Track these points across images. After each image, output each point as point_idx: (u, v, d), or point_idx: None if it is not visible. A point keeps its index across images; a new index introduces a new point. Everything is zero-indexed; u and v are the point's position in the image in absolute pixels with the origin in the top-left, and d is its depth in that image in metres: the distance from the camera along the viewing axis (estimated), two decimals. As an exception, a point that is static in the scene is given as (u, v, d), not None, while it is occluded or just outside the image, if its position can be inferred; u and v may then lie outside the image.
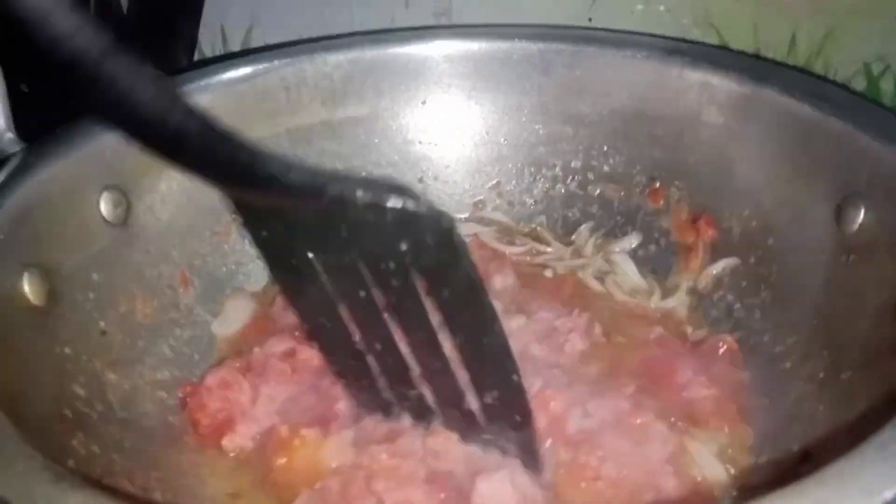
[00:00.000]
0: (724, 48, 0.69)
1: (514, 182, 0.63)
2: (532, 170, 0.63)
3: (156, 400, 0.49)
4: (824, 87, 0.53)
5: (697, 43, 0.61)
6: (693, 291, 0.57)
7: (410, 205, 0.34)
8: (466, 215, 0.64)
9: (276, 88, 0.58)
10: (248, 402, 0.49)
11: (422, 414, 0.45)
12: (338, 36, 0.62)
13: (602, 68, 0.59)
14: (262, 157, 0.34)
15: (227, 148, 0.34)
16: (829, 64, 0.70)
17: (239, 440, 0.48)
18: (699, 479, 0.45)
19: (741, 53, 0.64)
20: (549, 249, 0.62)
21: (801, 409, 0.46)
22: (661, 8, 0.70)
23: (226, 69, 0.57)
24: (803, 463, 0.43)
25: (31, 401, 0.41)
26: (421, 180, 0.63)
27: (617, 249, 0.60)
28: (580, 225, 0.62)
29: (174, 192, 0.55)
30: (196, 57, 0.74)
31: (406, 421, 0.46)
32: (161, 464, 0.46)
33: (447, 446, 0.45)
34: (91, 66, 0.30)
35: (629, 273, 0.59)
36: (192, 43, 0.74)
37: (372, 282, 0.39)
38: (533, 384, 0.47)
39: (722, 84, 0.55)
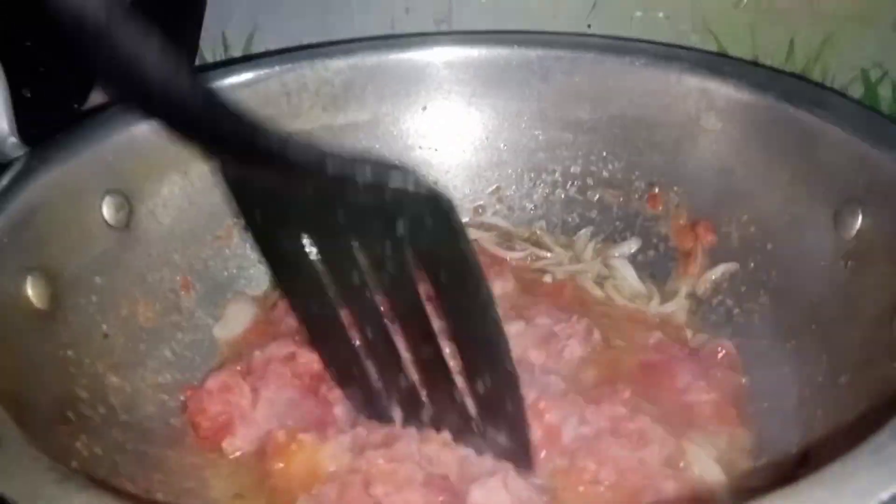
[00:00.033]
0: (722, 55, 0.69)
1: (513, 187, 0.63)
2: (532, 175, 0.63)
3: (157, 403, 0.50)
4: (822, 94, 0.54)
5: (696, 49, 0.62)
6: (692, 296, 0.58)
7: (411, 184, 0.34)
8: (466, 220, 0.64)
9: (278, 94, 0.58)
10: (249, 405, 0.49)
11: (415, 411, 0.45)
12: (339, 42, 0.62)
13: (601, 75, 0.59)
14: (263, 131, 0.34)
15: (229, 119, 0.34)
16: (827, 70, 0.71)
17: (239, 443, 0.48)
18: (698, 482, 0.45)
19: (739, 60, 0.64)
20: (548, 255, 0.62)
21: (800, 413, 0.47)
22: (660, 15, 0.70)
23: (227, 75, 0.57)
24: (802, 466, 0.43)
25: (35, 403, 0.41)
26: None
27: (616, 254, 0.61)
28: (579, 230, 0.62)
29: (176, 197, 0.55)
30: (197, 62, 0.75)
31: (400, 421, 0.46)
32: (163, 466, 0.46)
33: (442, 451, 0.45)
34: (98, 29, 0.30)
35: (628, 278, 0.59)
36: (194, 49, 0.74)
37: (368, 267, 0.39)
38: (528, 394, 0.47)
39: (720, 90, 0.56)
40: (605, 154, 0.61)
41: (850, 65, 0.70)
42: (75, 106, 0.66)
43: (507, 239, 0.63)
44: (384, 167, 0.35)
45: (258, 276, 0.59)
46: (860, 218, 0.48)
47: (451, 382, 0.43)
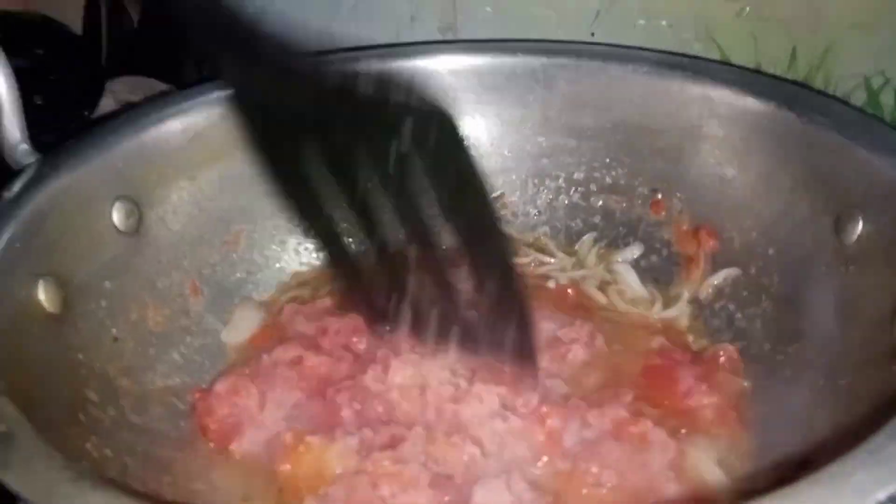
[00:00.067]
0: (725, 63, 0.70)
1: (517, 193, 0.64)
2: (535, 181, 0.63)
3: (167, 405, 0.50)
4: (823, 101, 0.54)
5: (698, 57, 0.62)
6: (694, 301, 0.58)
7: (413, 98, 0.35)
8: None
9: (284, 101, 0.59)
10: (256, 408, 0.49)
11: (422, 319, 0.46)
12: (344, 50, 0.63)
13: (604, 82, 0.60)
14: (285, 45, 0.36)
15: (255, 32, 0.35)
16: (830, 78, 0.71)
17: (247, 445, 0.48)
18: (700, 484, 0.46)
19: (742, 68, 0.65)
20: (551, 260, 0.62)
21: (801, 417, 0.47)
22: (663, 23, 0.71)
23: (235, 83, 0.58)
24: (803, 469, 0.43)
25: (47, 405, 0.42)
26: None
27: (619, 260, 0.61)
28: (583, 236, 0.63)
29: (185, 203, 0.56)
30: (206, 71, 0.75)
31: (407, 329, 0.47)
32: (172, 467, 0.47)
33: (448, 452, 0.45)
34: None
35: (631, 283, 0.60)
36: (202, 57, 0.75)
37: (373, 176, 0.40)
38: (531, 398, 0.48)
39: (722, 98, 0.56)
40: (608, 160, 0.61)
41: (852, 72, 0.70)
42: (85, 113, 0.67)
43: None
44: (389, 81, 0.35)
45: (265, 280, 0.60)
46: (861, 224, 0.48)
47: (456, 287, 0.43)
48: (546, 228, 0.64)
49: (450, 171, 0.38)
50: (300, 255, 0.61)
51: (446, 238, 0.41)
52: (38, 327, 0.45)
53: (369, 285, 0.47)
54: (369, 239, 0.44)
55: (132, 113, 0.56)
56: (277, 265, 0.61)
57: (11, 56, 0.50)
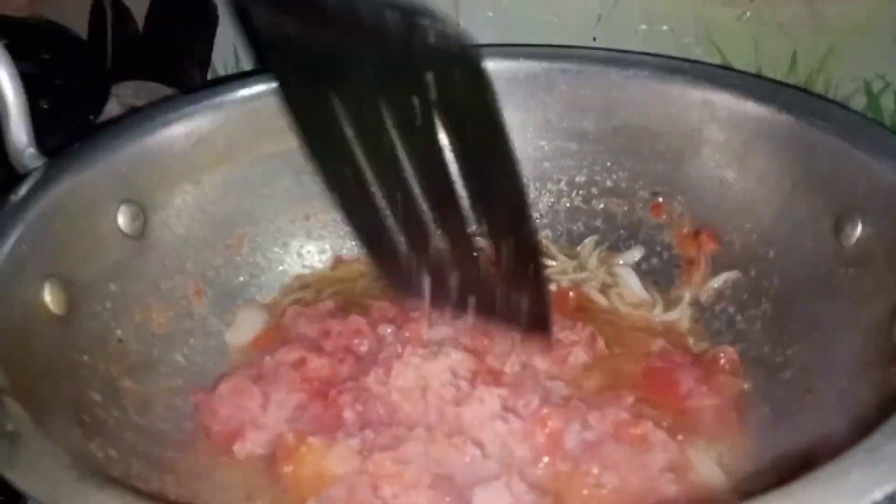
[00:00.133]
0: (725, 67, 0.70)
1: (520, 196, 0.64)
2: (537, 184, 0.64)
3: (170, 406, 0.51)
4: (823, 106, 0.54)
5: (699, 62, 0.63)
6: (695, 304, 0.58)
7: (440, 34, 0.35)
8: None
9: (289, 106, 0.59)
10: (259, 409, 0.50)
11: (442, 281, 0.45)
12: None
13: (605, 86, 0.60)
14: None
15: None
16: (830, 82, 0.71)
17: (250, 446, 0.49)
18: (700, 486, 0.46)
19: (742, 72, 0.65)
20: (553, 263, 0.62)
21: (801, 418, 0.47)
22: (664, 28, 0.71)
23: (240, 87, 0.58)
24: (803, 470, 0.44)
25: (52, 405, 0.42)
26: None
27: (620, 262, 0.61)
28: (584, 238, 0.63)
29: (189, 206, 0.56)
30: (210, 75, 0.76)
31: (428, 292, 0.47)
32: (175, 468, 0.47)
33: (449, 453, 0.46)
34: None
35: (632, 286, 0.60)
36: (206, 62, 0.75)
37: (396, 126, 0.39)
38: (532, 400, 0.48)
39: (723, 102, 0.56)
40: (609, 164, 0.62)
41: (852, 76, 0.71)
42: (90, 117, 0.67)
43: (512, 248, 0.64)
44: (415, 13, 0.35)
45: (268, 283, 0.60)
46: (860, 226, 0.48)
47: (476, 250, 0.43)
48: (548, 231, 0.64)
49: (473, 113, 0.37)
50: (303, 257, 0.62)
51: (469, 201, 0.41)
52: (43, 328, 0.45)
53: (391, 245, 0.46)
54: (392, 198, 0.44)
55: (137, 117, 0.56)
56: (280, 268, 0.61)
57: (18, 61, 0.50)
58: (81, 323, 0.48)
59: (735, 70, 0.67)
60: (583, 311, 0.59)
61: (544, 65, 0.61)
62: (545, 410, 0.48)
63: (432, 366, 0.50)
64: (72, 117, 0.65)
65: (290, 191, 0.59)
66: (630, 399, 0.50)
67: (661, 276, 0.61)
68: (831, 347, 0.48)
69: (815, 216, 0.51)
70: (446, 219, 0.43)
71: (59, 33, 0.69)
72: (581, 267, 0.62)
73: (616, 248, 0.62)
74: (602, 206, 0.63)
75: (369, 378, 0.50)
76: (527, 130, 0.63)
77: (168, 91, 0.71)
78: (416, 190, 0.42)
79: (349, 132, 0.41)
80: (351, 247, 0.62)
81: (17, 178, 0.50)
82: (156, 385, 0.51)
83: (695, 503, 0.45)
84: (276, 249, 0.61)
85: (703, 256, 0.58)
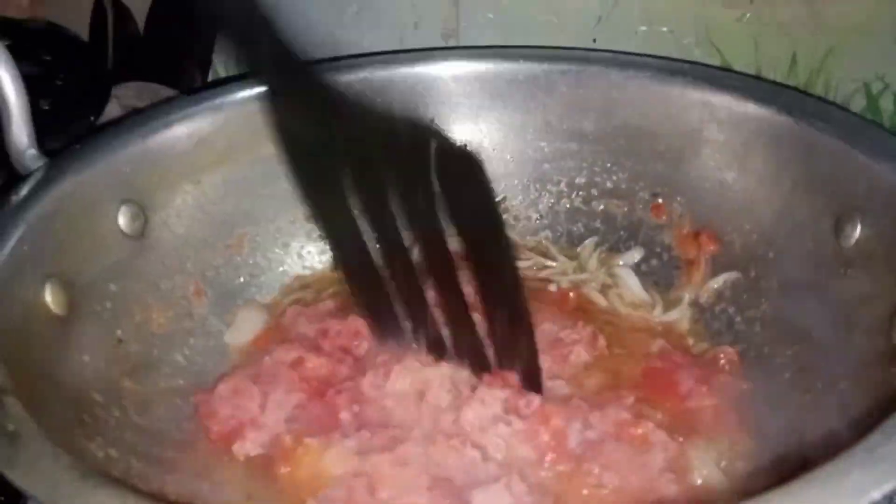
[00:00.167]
0: (725, 68, 0.70)
1: (519, 198, 0.64)
2: (537, 186, 0.64)
3: (170, 406, 0.51)
4: (823, 107, 0.55)
5: (699, 63, 0.63)
6: (695, 304, 0.58)
7: (447, 142, 0.40)
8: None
9: (289, 107, 0.60)
10: (258, 409, 0.50)
11: (437, 346, 0.49)
12: (348, 57, 0.63)
13: (605, 87, 0.60)
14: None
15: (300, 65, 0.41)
16: (830, 83, 0.71)
17: (249, 446, 0.49)
18: (700, 486, 0.46)
19: (741, 73, 0.65)
20: (553, 264, 0.63)
21: (800, 418, 0.47)
22: (664, 29, 0.71)
23: (239, 88, 0.58)
24: (802, 470, 0.44)
25: (52, 405, 0.42)
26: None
27: (620, 263, 0.61)
28: (584, 239, 0.63)
29: (189, 207, 0.56)
30: (210, 77, 0.76)
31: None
32: (175, 468, 0.47)
33: (447, 455, 0.46)
34: None
35: (632, 287, 0.60)
36: (207, 63, 0.76)
37: (399, 205, 0.44)
38: (533, 399, 0.48)
39: (722, 103, 0.57)
40: (609, 165, 0.62)
41: (852, 77, 0.71)
42: (91, 118, 0.67)
43: (513, 249, 0.64)
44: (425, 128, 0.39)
45: (268, 283, 0.60)
46: (860, 227, 0.49)
47: (471, 320, 0.47)
48: (548, 232, 0.64)
49: (473, 208, 0.41)
50: (303, 258, 0.62)
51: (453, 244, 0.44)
52: (43, 328, 0.45)
53: (376, 290, 0.49)
54: (378, 243, 0.47)
55: (138, 118, 0.56)
56: (280, 268, 0.61)
57: (19, 62, 0.50)
58: (81, 323, 0.48)
59: (735, 71, 0.68)
60: (583, 311, 0.59)
61: (544, 66, 0.61)
62: (547, 408, 0.48)
63: (432, 372, 0.50)
64: (73, 118, 0.65)
65: (291, 191, 0.59)
66: (631, 399, 0.50)
67: (660, 276, 0.61)
68: (831, 347, 0.48)
69: (815, 216, 0.51)
70: (444, 290, 0.47)
71: (59, 34, 0.69)
72: (581, 268, 0.62)
73: (616, 248, 0.62)
74: (602, 207, 0.63)
75: (364, 381, 0.50)
76: (527, 132, 0.63)
77: (169, 92, 0.71)
78: (416, 260, 0.46)
79: (353, 202, 0.45)
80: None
81: (18, 178, 0.50)
82: (156, 385, 0.51)
83: (695, 503, 0.45)
84: (277, 250, 0.61)
85: (703, 257, 0.58)
